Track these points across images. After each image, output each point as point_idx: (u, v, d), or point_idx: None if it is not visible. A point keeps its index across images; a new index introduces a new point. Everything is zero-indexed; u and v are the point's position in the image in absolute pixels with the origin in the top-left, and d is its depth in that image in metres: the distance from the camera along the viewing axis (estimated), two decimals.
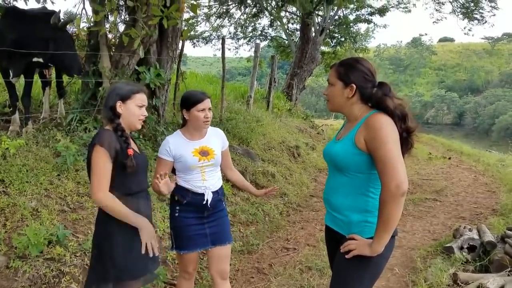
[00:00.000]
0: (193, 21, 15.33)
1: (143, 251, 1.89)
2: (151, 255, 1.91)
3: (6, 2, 5.93)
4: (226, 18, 16.51)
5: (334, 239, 1.84)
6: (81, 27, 4.33)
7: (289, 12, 15.42)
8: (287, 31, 15.94)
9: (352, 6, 14.85)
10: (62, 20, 4.11)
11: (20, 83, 4.71)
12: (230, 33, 17.64)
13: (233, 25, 17.08)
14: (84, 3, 4.51)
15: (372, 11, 15.16)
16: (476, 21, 14.08)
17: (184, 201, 2.30)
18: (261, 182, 5.47)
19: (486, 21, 13.89)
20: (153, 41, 4.94)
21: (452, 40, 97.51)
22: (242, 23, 16.95)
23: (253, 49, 9.46)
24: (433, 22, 16.13)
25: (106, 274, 1.88)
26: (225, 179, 2.78)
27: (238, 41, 17.69)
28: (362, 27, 20.37)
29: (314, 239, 4.33)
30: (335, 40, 15.80)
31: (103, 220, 1.89)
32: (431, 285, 3.13)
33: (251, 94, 8.48)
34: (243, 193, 4.96)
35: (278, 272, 3.54)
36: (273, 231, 4.55)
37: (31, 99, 4.52)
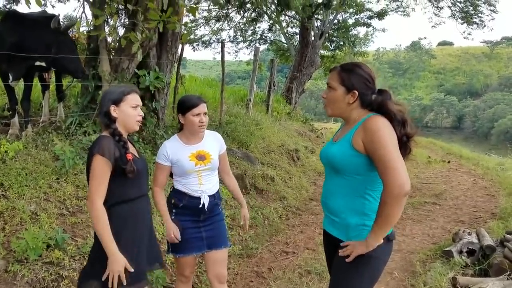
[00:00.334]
0: (192, 24, 15.36)
1: (103, 278, 1.79)
2: (110, 287, 1.79)
3: (7, 6, 5.95)
4: (226, 22, 16.56)
5: (332, 244, 1.84)
6: (80, 31, 4.34)
7: (288, 16, 15.46)
8: (287, 35, 15.98)
9: (351, 10, 14.92)
10: (63, 24, 4.13)
11: (19, 86, 4.71)
12: (229, 36, 17.62)
13: (232, 28, 17.13)
14: (84, 7, 4.54)
15: (371, 15, 15.18)
16: (475, 25, 14.11)
17: (181, 205, 2.31)
18: (261, 186, 5.47)
19: (485, 25, 13.96)
20: (153, 45, 4.97)
21: (451, 44, 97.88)
22: (242, 27, 16.98)
23: (252, 53, 9.47)
24: (432, 27, 16.19)
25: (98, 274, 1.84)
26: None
27: (237, 45, 17.71)
28: (361, 31, 20.47)
29: (314, 242, 4.32)
30: (334, 44, 15.84)
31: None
32: None
33: (251, 98, 8.49)
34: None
35: (277, 276, 3.54)
36: (272, 234, 4.55)
37: (30, 102, 4.52)
